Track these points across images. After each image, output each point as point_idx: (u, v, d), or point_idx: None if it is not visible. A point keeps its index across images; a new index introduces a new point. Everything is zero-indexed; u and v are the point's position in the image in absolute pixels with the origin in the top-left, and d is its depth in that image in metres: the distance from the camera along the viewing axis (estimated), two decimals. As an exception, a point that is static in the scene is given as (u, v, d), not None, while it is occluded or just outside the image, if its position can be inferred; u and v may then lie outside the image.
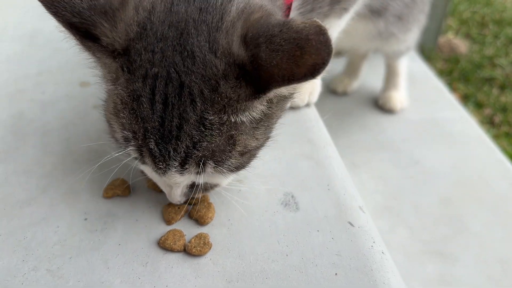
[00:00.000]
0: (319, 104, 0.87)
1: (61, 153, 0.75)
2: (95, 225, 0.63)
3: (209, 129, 0.51)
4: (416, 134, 1.41)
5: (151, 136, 0.52)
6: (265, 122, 0.57)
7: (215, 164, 0.54)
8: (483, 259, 1.06)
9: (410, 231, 1.14)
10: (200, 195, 0.63)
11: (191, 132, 0.51)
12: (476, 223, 1.15)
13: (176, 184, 0.57)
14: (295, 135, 0.78)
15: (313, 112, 0.84)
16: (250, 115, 0.53)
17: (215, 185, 0.62)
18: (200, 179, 0.57)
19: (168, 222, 0.62)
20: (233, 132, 0.53)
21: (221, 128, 0.52)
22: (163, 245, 0.59)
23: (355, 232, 0.61)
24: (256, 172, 0.70)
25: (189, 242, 0.59)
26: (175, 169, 0.54)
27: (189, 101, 0.50)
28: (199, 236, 0.59)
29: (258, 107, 0.53)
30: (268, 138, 0.61)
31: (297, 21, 0.45)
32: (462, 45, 2.32)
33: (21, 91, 0.92)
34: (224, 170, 0.55)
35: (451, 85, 2.05)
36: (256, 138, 0.57)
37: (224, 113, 0.51)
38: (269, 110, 0.56)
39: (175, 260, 0.58)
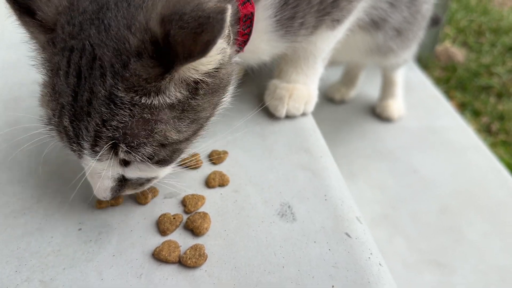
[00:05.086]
0: (316, 112, 0.87)
1: (56, 162, 0.74)
2: (90, 235, 0.62)
3: (119, 107, 0.50)
4: (414, 142, 1.42)
5: (66, 113, 0.52)
6: (190, 114, 0.56)
7: (128, 148, 0.52)
8: (481, 268, 1.06)
9: (408, 240, 1.13)
10: (132, 192, 0.62)
11: (100, 109, 0.50)
12: (473, 232, 1.14)
13: (97, 174, 0.56)
14: (292, 145, 0.77)
15: (310, 122, 0.84)
16: (165, 99, 0.52)
17: (148, 180, 0.61)
18: (128, 173, 0.57)
19: (163, 232, 0.61)
20: (148, 117, 0.52)
21: (132, 109, 0.51)
22: (158, 256, 0.58)
23: (352, 244, 0.60)
24: (253, 181, 0.70)
25: (184, 253, 0.58)
26: (87, 152, 0.53)
27: (99, 74, 0.50)
28: (195, 248, 0.58)
29: (172, 92, 0.52)
30: (195, 134, 0.59)
31: (210, 3, 0.46)
32: (459, 54, 2.33)
33: (17, 99, 0.91)
34: (138, 158, 0.53)
35: (448, 93, 2.05)
36: (179, 131, 0.55)
37: (134, 92, 0.50)
38: (194, 102, 0.55)
39: (170, 272, 0.57)
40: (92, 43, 0.50)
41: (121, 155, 0.53)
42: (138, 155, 0.53)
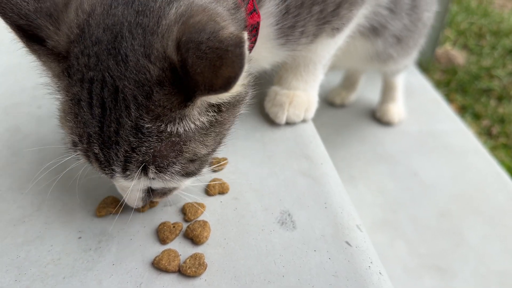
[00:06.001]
0: (316, 116, 0.87)
1: (56, 169, 0.74)
2: (89, 244, 0.62)
3: (147, 135, 0.50)
4: (414, 146, 1.42)
5: (94, 141, 0.52)
6: (216, 129, 0.57)
7: (157, 169, 0.53)
8: (481, 272, 1.06)
9: (408, 244, 1.13)
10: (160, 199, 0.64)
11: (128, 138, 0.51)
12: (474, 236, 1.15)
13: (128, 188, 0.57)
14: (292, 152, 0.77)
15: (310, 128, 0.83)
16: (189, 124, 0.52)
17: (173, 189, 0.63)
18: (154, 184, 0.58)
19: (163, 241, 0.61)
20: (177, 139, 0.52)
21: (160, 135, 0.51)
22: (158, 265, 0.58)
23: (353, 252, 0.60)
24: (253, 188, 0.70)
25: (184, 262, 0.58)
26: (119, 174, 0.54)
27: (123, 106, 0.50)
28: (194, 256, 0.58)
29: (197, 115, 0.53)
30: (219, 144, 0.60)
31: (225, 31, 0.45)
32: (459, 56, 2.33)
33: (17, 104, 0.91)
34: (167, 177, 0.54)
35: (449, 96, 2.05)
36: (206, 145, 0.56)
37: (160, 122, 0.50)
38: (219, 117, 0.56)
39: (170, 281, 0.57)
40: (112, 75, 0.50)
41: (151, 175, 0.53)
42: (167, 174, 0.54)
